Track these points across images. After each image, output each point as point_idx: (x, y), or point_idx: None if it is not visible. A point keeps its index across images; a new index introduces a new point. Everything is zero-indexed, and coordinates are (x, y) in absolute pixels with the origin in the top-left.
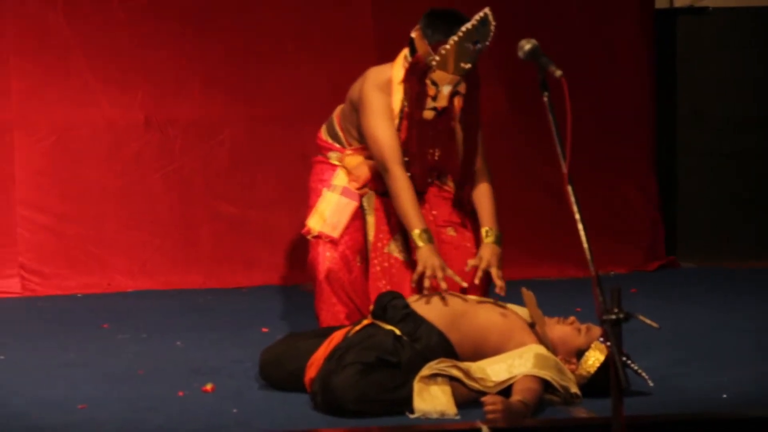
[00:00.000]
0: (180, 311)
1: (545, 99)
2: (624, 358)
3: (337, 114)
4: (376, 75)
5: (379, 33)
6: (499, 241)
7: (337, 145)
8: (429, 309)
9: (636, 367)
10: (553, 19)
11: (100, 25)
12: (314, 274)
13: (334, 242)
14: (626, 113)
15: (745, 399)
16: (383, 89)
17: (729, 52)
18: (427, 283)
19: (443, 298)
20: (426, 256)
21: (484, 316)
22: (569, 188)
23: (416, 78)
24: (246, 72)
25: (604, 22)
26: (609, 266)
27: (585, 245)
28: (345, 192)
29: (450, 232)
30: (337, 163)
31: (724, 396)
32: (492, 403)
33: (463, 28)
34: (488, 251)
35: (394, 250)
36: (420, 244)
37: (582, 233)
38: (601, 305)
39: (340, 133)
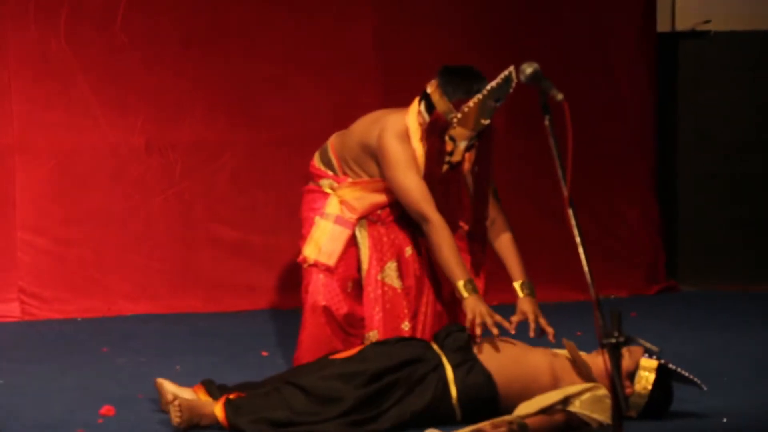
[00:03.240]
0: (180, 335)
1: (546, 123)
2: (673, 367)
3: (332, 142)
4: (394, 124)
5: (380, 58)
6: (534, 292)
7: (330, 173)
8: (484, 350)
9: (687, 374)
10: (554, 42)
11: (102, 50)
12: (306, 301)
13: (330, 270)
14: (628, 136)
15: (744, 423)
16: (404, 140)
17: (731, 75)
18: (478, 330)
19: (498, 343)
20: (473, 304)
21: (534, 360)
22: (570, 211)
23: (437, 135)
24: (247, 96)
25: (605, 46)
26: (609, 289)
27: (585, 268)
28: (338, 220)
29: None
30: (329, 191)
31: (724, 420)
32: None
33: (489, 87)
34: (528, 304)
35: (387, 277)
36: (465, 294)
37: (582, 256)
38: (601, 329)
39: (335, 161)
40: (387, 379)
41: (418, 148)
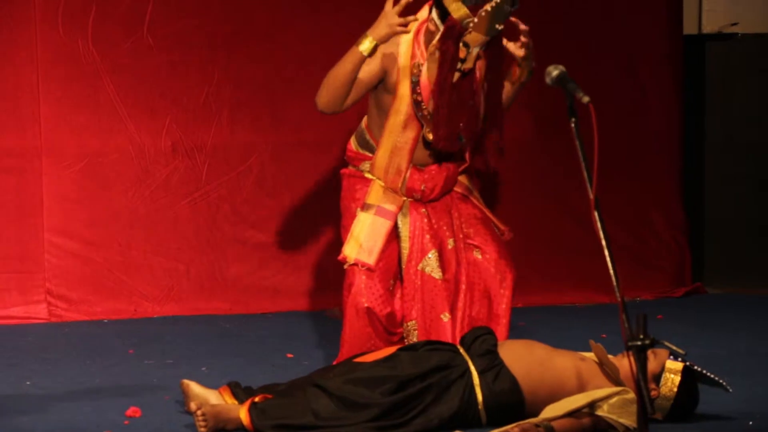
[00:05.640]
0: (206, 337)
1: (572, 125)
2: (699, 369)
3: (365, 122)
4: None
5: None
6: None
7: (370, 155)
8: (510, 354)
9: (712, 375)
10: (580, 45)
11: (129, 52)
12: (348, 301)
13: (371, 269)
14: (654, 139)
15: None
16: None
17: (758, 78)
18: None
19: (524, 346)
20: (377, 25)
21: (560, 364)
22: (596, 214)
23: (452, 41)
24: (273, 98)
25: (632, 48)
26: (635, 292)
27: (611, 271)
28: (379, 211)
29: (476, 254)
30: (370, 176)
31: (750, 423)
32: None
33: None
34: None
35: (428, 267)
36: (367, 33)
37: (608, 259)
38: (627, 331)
39: (371, 141)
40: (415, 386)
41: (406, 45)
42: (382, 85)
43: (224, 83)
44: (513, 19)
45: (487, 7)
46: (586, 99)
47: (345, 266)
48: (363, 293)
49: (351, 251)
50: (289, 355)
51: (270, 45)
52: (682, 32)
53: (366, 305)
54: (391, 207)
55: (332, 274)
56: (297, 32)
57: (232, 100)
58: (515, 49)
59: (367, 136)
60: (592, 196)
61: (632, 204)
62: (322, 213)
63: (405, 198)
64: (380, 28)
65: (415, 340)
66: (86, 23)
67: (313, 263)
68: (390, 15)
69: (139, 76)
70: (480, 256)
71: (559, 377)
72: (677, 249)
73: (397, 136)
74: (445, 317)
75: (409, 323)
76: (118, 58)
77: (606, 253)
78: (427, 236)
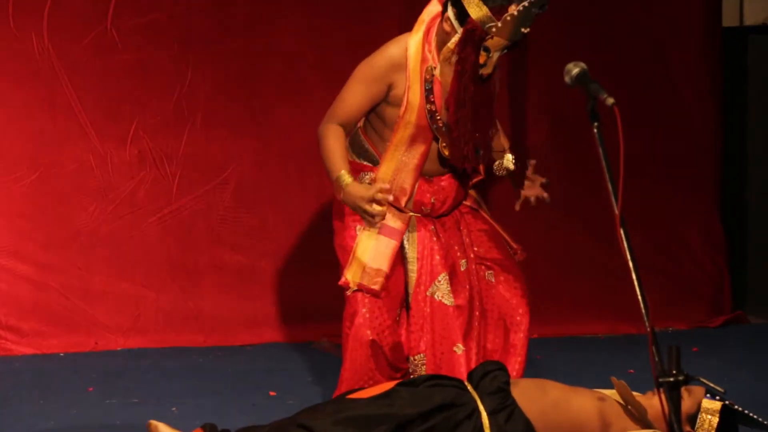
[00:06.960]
0: (177, 373)
1: (595, 130)
2: (739, 408)
3: (361, 127)
4: (395, 42)
5: None
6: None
7: (368, 164)
8: (523, 394)
9: (755, 416)
10: (605, 39)
11: (90, 49)
12: (351, 333)
13: (376, 296)
14: (688, 146)
15: None
16: (388, 59)
17: None
18: (377, 208)
19: (539, 386)
20: (355, 190)
21: (579, 404)
22: (622, 232)
23: (473, 48)
24: (254, 102)
25: (664, 42)
26: (667, 321)
27: (640, 297)
28: (384, 230)
29: (489, 276)
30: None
31: None
32: None
33: None
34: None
35: (438, 292)
36: (348, 181)
37: (636, 283)
38: (657, 366)
39: (370, 149)
40: (415, 427)
41: (413, 53)
42: (385, 98)
43: (198, 83)
44: (531, 162)
45: (513, 11)
46: (610, 101)
47: (347, 293)
48: (368, 324)
49: (354, 275)
50: (272, 393)
51: (251, 41)
52: (721, 24)
53: (371, 338)
54: (396, 224)
55: (320, 301)
56: (283, 27)
57: (207, 102)
58: (539, 192)
59: (366, 144)
60: (617, 212)
61: (664, 220)
62: (310, 232)
63: (412, 213)
64: (350, 201)
65: None
66: (41, 15)
67: (298, 289)
68: (366, 205)
69: (102, 76)
70: (493, 279)
71: (577, 420)
72: (715, 272)
73: (403, 151)
74: (459, 349)
75: (416, 357)
76: (77, 55)
77: (633, 276)
78: (437, 257)
